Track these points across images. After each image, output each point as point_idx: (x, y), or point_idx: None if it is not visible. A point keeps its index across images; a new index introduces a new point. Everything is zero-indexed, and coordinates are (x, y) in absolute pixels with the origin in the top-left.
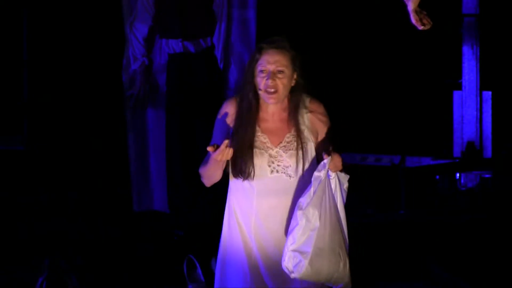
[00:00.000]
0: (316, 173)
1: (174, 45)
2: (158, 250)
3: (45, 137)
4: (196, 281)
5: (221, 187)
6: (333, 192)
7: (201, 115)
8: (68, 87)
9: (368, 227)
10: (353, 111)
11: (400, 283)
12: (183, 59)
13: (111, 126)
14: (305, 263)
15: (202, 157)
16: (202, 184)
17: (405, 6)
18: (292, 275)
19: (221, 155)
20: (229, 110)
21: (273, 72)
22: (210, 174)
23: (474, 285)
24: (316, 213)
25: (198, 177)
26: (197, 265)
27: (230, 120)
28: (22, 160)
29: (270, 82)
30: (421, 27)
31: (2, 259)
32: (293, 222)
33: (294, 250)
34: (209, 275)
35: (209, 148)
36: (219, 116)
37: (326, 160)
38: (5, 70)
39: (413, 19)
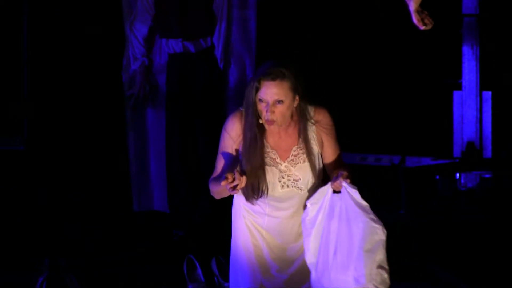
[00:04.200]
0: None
1: (174, 45)
2: (158, 250)
3: (45, 137)
4: (196, 281)
5: None
6: None
7: (201, 115)
8: (68, 87)
9: None
10: (353, 111)
11: (400, 284)
12: (183, 59)
13: (111, 126)
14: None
15: (202, 157)
16: (202, 184)
17: (406, 6)
18: None
19: (239, 187)
20: (236, 126)
21: (272, 104)
22: (221, 193)
23: (474, 285)
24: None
25: (197, 177)
26: (197, 265)
27: (238, 139)
28: (22, 160)
29: (269, 115)
30: (422, 27)
31: (2, 259)
32: (372, 238)
33: (379, 267)
34: (209, 275)
35: (223, 183)
36: (225, 133)
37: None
38: (5, 70)
39: (415, 19)
